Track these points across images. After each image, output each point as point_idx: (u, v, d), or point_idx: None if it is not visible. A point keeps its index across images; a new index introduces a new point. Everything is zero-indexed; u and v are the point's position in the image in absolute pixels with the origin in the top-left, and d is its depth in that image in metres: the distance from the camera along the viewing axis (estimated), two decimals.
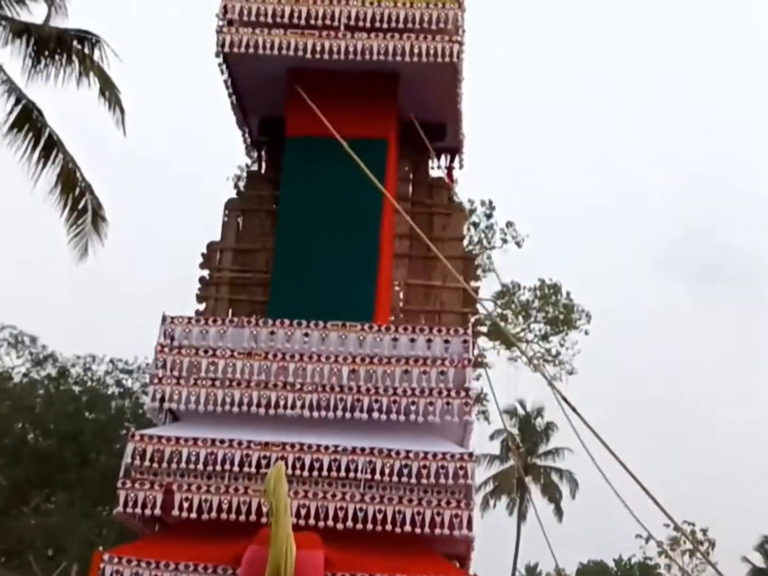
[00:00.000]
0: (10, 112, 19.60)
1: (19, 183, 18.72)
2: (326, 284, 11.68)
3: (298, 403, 10.52)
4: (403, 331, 11.09)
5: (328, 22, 12.03)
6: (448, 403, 10.67)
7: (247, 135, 13.69)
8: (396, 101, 12.49)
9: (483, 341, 38.51)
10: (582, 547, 46.16)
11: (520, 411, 47.09)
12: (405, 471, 10.26)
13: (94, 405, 35.50)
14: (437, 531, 10.09)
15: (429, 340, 11.06)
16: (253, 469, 10.07)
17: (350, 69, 12.15)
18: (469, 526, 10.20)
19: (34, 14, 19.12)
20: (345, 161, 11.68)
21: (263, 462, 10.06)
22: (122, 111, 19.37)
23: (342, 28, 12.03)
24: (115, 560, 9.65)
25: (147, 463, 10.11)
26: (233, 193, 13.92)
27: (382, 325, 11.17)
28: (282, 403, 10.49)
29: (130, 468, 10.19)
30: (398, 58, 11.96)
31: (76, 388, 36.61)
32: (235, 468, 10.09)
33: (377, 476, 10.21)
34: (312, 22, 12.02)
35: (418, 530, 10.06)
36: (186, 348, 10.75)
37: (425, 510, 10.15)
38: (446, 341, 11.08)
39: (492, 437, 44.33)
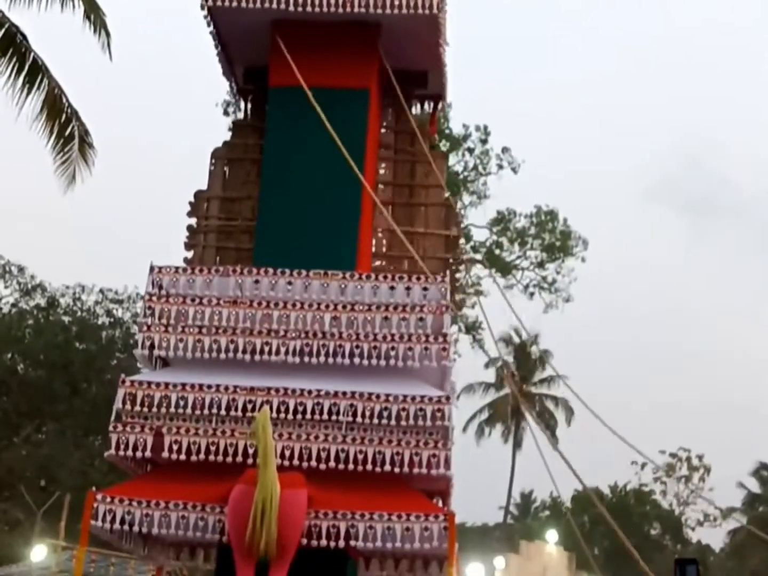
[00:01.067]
0: None
1: (2, 110, 19.05)
2: (310, 232, 12.38)
3: (282, 349, 11.24)
4: (383, 279, 11.80)
5: None
6: (426, 348, 11.38)
7: (233, 84, 14.23)
8: (377, 52, 13.05)
9: (479, 269, 39.26)
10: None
11: (515, 339, 48.04)
12: (385, 413, 11.01)
13: (84, 335, 36.41)
14: (416, 470, 10.87)
15: (408, 288, 11.77)
16: (239, 413, 10.83)
17: (333, 20, 12.69)
18: (447, 466, 10.95)
19: None
20: (327, 111, 12.34)
21: (249, 406, 10.83)
22: (108, 35, 19.21)
23: None
24: (108, 500, 10.45)
25: (137, 407, 10.88)
26: (222, 119, 14.45)
27: (363, 274, 11.89)
28: (267, 349, 11.22)
29: (120, 412, 10.94)
30: (379, 10, 12.52)
31: (66, 319, 37.36)
32: (222, 412, 10.86)
33: (358, 419, 10.96)
34: None
35: (397, 470, 10.83)
36: (173, 297, 11.47)
37: (404, 450, 10.91)
38: (425, 288, 11.79)
39: (487, 365, 45.50)
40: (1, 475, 34.68)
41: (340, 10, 12.51)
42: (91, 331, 36.48)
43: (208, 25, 12.95)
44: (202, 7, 12.67)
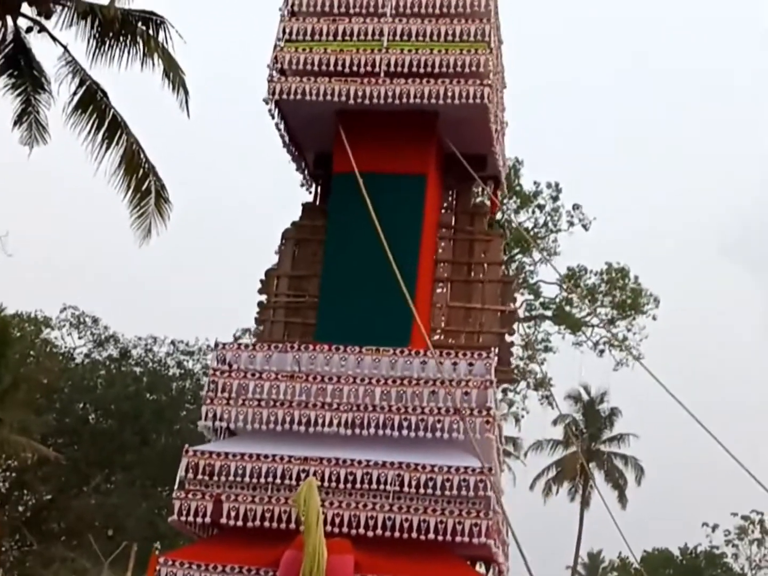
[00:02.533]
0: (74, 93, 20.96)
1: (83, 164, 20.23)
2: (367, 309, 13.67)
3: (335, 421, 12.51)
4: (431, 355, 12.98)
5: (369, 69, 13.93)
6: (471, 421, 12.54)
7: (304, 169, 15.64)
8: (435, 138, 14.37)
9: (548, 325, 40.13)
10: (646, 534, 47.72)
11: (584, 396, 48.62)
12: (430, 483, 12.17)
13: (155, 386, 37.98)
14: (458, 538, 12.00)
15: (455, 363, 12.96)
16: (294, 482, 12.05)
17: (392, 110, 14.04)
18: (487, 535, 12.05)
19: None
20: (385, 195, 13.78)
21: (302, 475, 12.05)
22: (186, 92, 20.75)
23: (382, 74, 13.92)
24: (170, 563, 11.78)
25: (199, 475, 12.22)
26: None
27: (412, 350, 13.10)
28: (320, 421, 12.49)
29: (183, 480, 12.26)
30: (433, 101, 13.82)
31: (137, 369, 38.98)
32: (278, 480, 12.15)
33: (405, 488, 12.14)
34: (354, 69, 13.95)
35: (440, 537, 11.97)
36: (235, 371, 12.83)
37: (447, 519, 12.05)
38: (470, 364, 12.97)
39: (555, 422, 46.12)
40: (70, 523, 36.16)
41: (397, 101, 13.85)
42: (161, 382, 38.07)
43: (273, 117, 14.34)
44: (267, 102, 14.07)
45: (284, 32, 14.30)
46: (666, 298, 39.27)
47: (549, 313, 39.91)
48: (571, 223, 39.18)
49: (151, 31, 20.62)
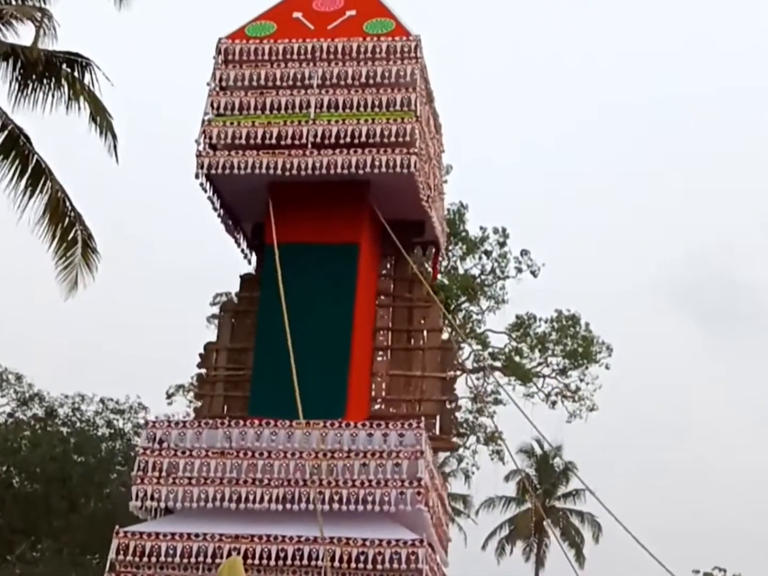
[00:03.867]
0: None
1: (5, 213, 20.29)
2: (301, 381, 14.18)
3: (266, 497, 13.44)
4: (361, 427, 13.97)
5: (297, 140, 14.99)
6: (401, 493, 13.51)
7: (241, 239, 16.67)
8: (367, 207, 15.44)
9: (498, 377, 40.86)
10: None
11: (537, 450, 49.38)
12: (362, 557, 13.13)
13: (83, 447, 37.63)
14: None
15: (385, 435, 13.93)
16: (225, 560, 12.93)
17: (324, 180, 15.04)
18: None
19: (21, 36, 20.09)
20: (318, 266, 14.92)
21: (233, 553, 12.95)
22: (114, 137, 20.31)
23: (309, 145, 14.98)
24: None
25: (129, 557, 13.09)
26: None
27: (342, 422, 14.04)
28: (251, 497, 13.42)
29: (114, 562, 13.12)
30: (360, 170, 14.89)
31: (64, 429, 38.71)
32: (209, 559, 13.04)
33: (336, 563, 13.07)
34: (282, 141, 15.00)
35: None
36: (166, 449, 13.72)
37: None
38: (401, 435, 13.95)
39: (507, 478, 46.63)
40: None
41: (325, 172, 14.89)
42: (90, 442, 37.75)
43: (205, 191, 15.40)
44: (197, 176, 15.09)
45: (212, 106, 15.38)
46: (616, 347, 40.00)
47: (498, 363, 40.61)
48: (519, 270, 39.37)
49: (76, 74, 20.39)
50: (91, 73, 20.81)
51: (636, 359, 50.94)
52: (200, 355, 15.69)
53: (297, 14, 15.97)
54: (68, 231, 19.86)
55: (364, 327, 15.44)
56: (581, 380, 39.86)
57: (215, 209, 15.88)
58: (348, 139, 14.97)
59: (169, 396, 38.40)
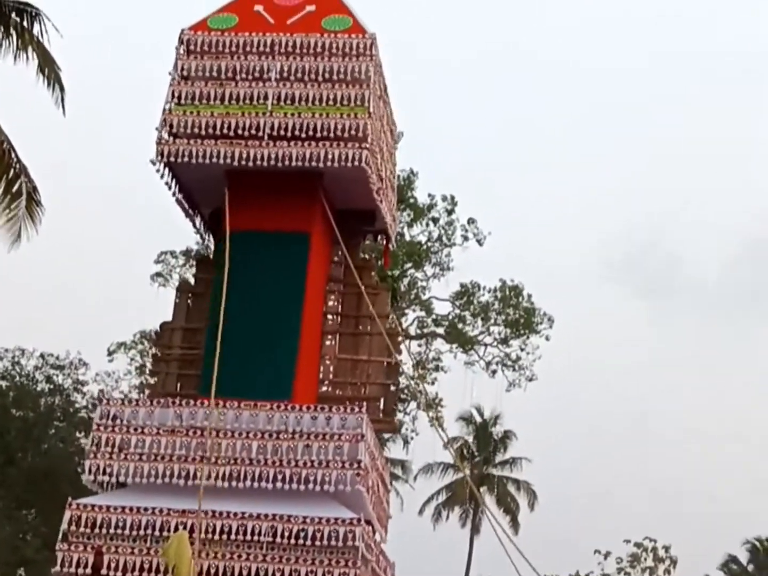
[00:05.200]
0: None
1: None
2: (252, 363, 15.79)
3: (213, 475, 14.65)
4: (306, 410, 15.21)
5: (254, 132, 16.06)
6: (341, 474, 14.78)
7: (199, 223, 17.88)
8: (319, 197, 16.58)
9: (440, 344, 42.08)
10: (538, 561, 50.34)
11: (477, 418, 50.85)
12: (302, 534, 14.42)
13: (22, 402, 38.30)
14: None
15: (328, 418, 15.20)
16: (172, 533, 14.17)
17: (279, 170, 16.15)
18: None
19: None
20: (271, 253, 16.17)
21: (180, 527, 14.18)
22: (62, 89, 21.02)
23: (266, 137, 16.05)
24: None
25: (81, 528, 14.31)
26: None
27: (288, 404, 15.25)
28: (199, 474, 14.62)
29: (66, 532, 14.33)
30: (314, 163, 16.02)
31: (3, 383, 39.08)
32: (156, 533, 14.29)
33: (278, 539, 14.37)
34: (240, 132, 16.07)
35: None
36: (118, 426, 14.91)
37: (317, 569, 14.30)
38: (343, 418, 15.21)
39: (446, 445, 48.03)
40: None
41: (280, 164, 16.01)
42: (29, 397, 38.34)
43: (163, 177, 16.47)
44: (154, 163, 16.15)
45: (173, 95, 16.41)
46: (557, 317, 41.28)
47: (441, 330, 41.77)
48: (466, 238, 40.61)
49: (25, 23, 20.96)
50: (40, 24, 21.14)
51: (578, 331, 52.50)
52: (155, 333, 16.88)
53: (258, 7, 16.99)
54: (13, 183, 20.47)
55: (314, 312, 16.68)
56: (522, 350, 41.29)
57: (173, 195, 16.96)
58: (303, 132, 16.06)
59: (110, 353, 39.28)
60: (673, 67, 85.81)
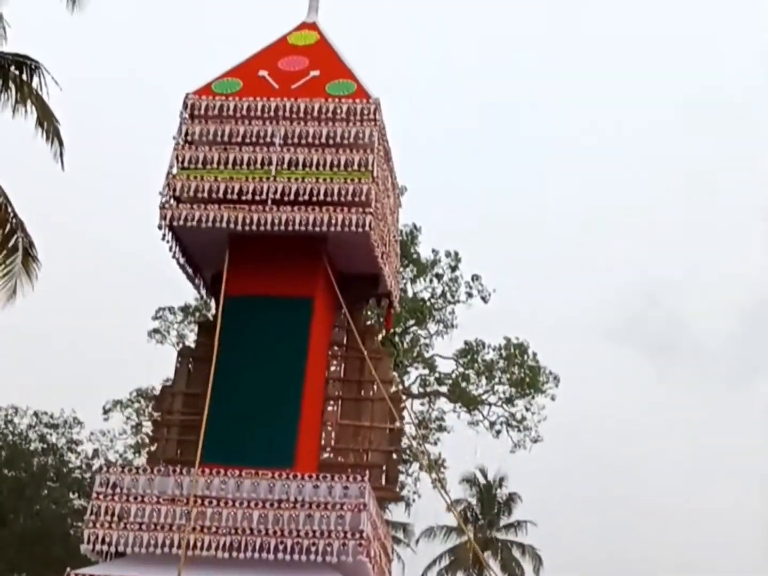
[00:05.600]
0: None
1: None
2: (254, 430, 15.89)
3: (213, 545, 14.69)
4: (308, 479, 15.26)
5: (257, 196, 16.30)
6: (344, 544, 14.84)
7: (200, 287, 18.08)
8: (323, 262, 16.78)
9: (443, 403, 41.97)
10: None
11: (481, 480, 50.56)
12: None
13: (14, 461, 38.34)
14: None
15: (330, 487, 15.24)
16: None
17: (282, 234, 16.36)
18: None
19: None
20: (274, 318, 16.35)
21: None
22: (61, 143, 21.33)
23: (270, 202, 16.29)
24: None
25: None
26: None
27: (290, 473, 15.32)
28: (199, 544, 14.67)
29: None
30: (317, 228, 16.24)
31: None
32: None
33: None
34: (243, 196, 16.31)
35: None
36: (118, 495, 14.98)
37: None
38: (345, 488, 15.26)
39: (449, 508, 47.54)
40: None
41: (283, 228, 16.22)
42: (22, 457, 38.39)
43: (168, 242, 16.68)
44: (160, 227, 16.37)
45: (178, 160, 16.67)
46: (562, 376, 41.23)
47: (444, 389, 41.64)
48: (470, 295, 40.60)
49: (24, 76, 21.26)
50: (40, 77, 21.37)
51: (583, 390, 52.45)
52: (156, 398, 16.99)
53: (263, 72, 17.33)
54: (9, 238, 20.72)
55: (316, 377, 16.84)
56: (527, 410, 41.04)
57: (176, 258, 17.16)
58: (307, 197, 16.30)
59: (105, 411, 39.28)
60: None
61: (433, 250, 40.73)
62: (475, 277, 40.72)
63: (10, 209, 20.69)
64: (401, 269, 38.66)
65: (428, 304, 40.69)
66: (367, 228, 16.28)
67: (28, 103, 21.26)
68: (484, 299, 40.76)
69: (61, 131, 21.61)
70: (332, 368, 17.37)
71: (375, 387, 17.17)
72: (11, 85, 21.31)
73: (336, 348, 17.49)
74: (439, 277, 40.79)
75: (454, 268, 40.79)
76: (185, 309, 39.06)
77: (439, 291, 40.86)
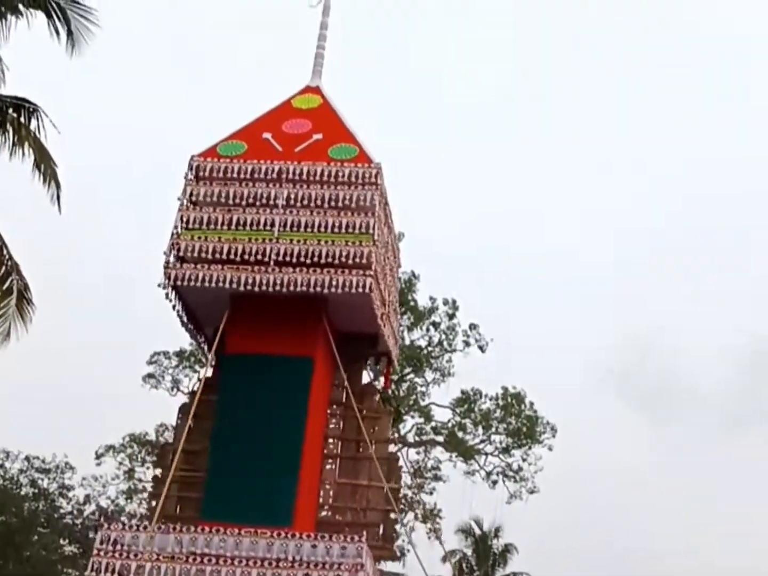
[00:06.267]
0: None
1: None
2: (253, 487, 16.53)
3: None
4: (306, 538, 15.92)
5: (260, 257, 17.06)
6: None
7: (203, 344, 18.80)
8: (322, 322, 17.50)
9: (439, 452, 42.31)
10: None
11: (476, 530, 50.80)
12: None
13: (5, 506, 38.70)
14: None
15: (328, 546, 15.91)
16: None
17: (284, 295, 17.09)
18: None
19: None
20: (274, 376, 17.09)
21: None
22: (58, 186, 21.20)
23: (272, 263, 17.05)
24: None
25: None
26: None
27: (288, 532, 15.99)
28: None
29: None
30: (318, 289, 17.00)
31: None
32: None
33: None
34: (246, 258, 17.07)
35: None
36: (119, 551, 15.66)
37: None
38: (343, 547, 15.93)
39: (444, 559, 47.86)
40: None
41: (285, 289, 16.98)
42: (12, 502, 38.79)
43: (171, 301, 17.46)
44: (163, 287, 17.14)
45: (182, 220, 17.47)
46: (561, 426, 41.64)
47: (440, 438, 41.97)
48: (467, 344, 41.11)
49: (22, 119, 21.34)
50: (38, 120, 21.30)
51: (580, 441, 52.87)
52: (156, 454, 17.65)
53: (267, 135, 18.16)
54: (4, 280, 20.65)
55: (316, 436, 17.55)
56: (524, 460, 41.62)
57: (179, 317, 17.95)
58: (308, 259, 17.08)
59: (98, 456, 39.78)
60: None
61: (431, 298, 41.30)
62: (473, 326, 41.29)
63: (5, 252, 20.79)
64: (399, 316, 39.37)
65: (425, 352, 41.16)
66: (367, 290, 17.03)
67: (26, 145, 21.29)
68: (481, 348, 41.27)
69: (58, 174, 22.00)
70: (331, 426, 18.06)
71: (373, 445, 17.78)
72: (8, 127, 21.34)
73: (335, 406, 18.16)
74: (436, 325, 41.35)
75: (451, 316, 41.34)
76: (180, 354, 39.81)
77: (436, 339, 41.37)
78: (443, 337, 41.39)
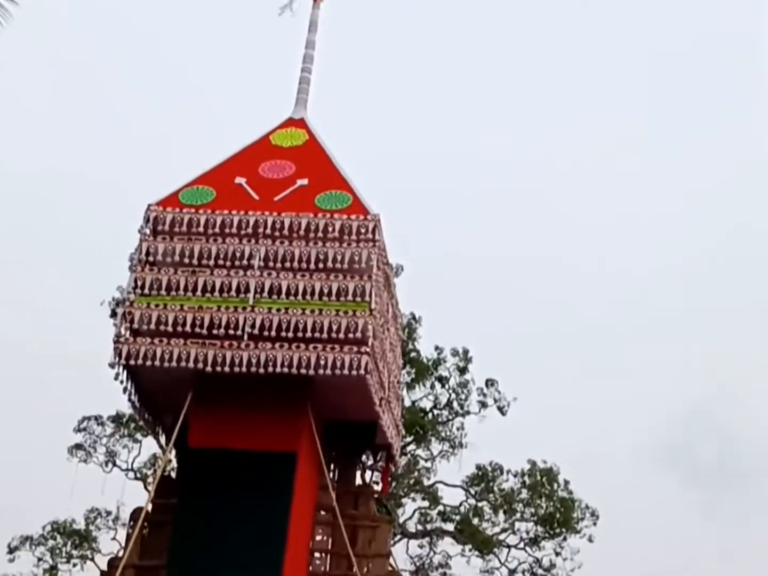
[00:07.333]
0: None
1: None
2: None
3: None
4: None
5: (231, 331, 17.86)
6: None
7: (161, 435, 19.72)
8: (308, 409, 18.23)
9: (449, 544, 42.00)
10: None
11: None
12: None
13: None
14: None
15: None
16: None
17: (260, 376, 17.78)
18: None
19: None
20: (248, 476, 17.77)
21: None
22: None
23: (246, 337, 17.84)
24: None
25: None
26: None
27: None
28: None
29: None
30: (303, 370, 17.71)
31: None
32: None
33: None
34: (214, 330, 17.86)
35: None
36: None
37: None
38: None
39: None
40: None
41: (262, 369, 17.73)
42: None
43: (122, 382, 18.24)
44: (113, 366, 17.95)
45: (136, 283, 18.18)
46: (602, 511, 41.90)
47: (450, 526, 42.10)
48: (484, 404, 41.44)
49: None
50: None
51: (623, 527, 53.37)
52: (102, 573, 18.62)
53: (240, 180, 19.05)
54: None
55: (299, 550, 18.26)
56: (557, 554, 41.90)
57: (131, 402, 18.90)
58: (291, 332, 17.83)
59: (11, 550, 40.24)
60: None
61: (437, 347, 41.75)
62: (491, 383, 41.56)
63: None
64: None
65: (430, 416, 41.57)
66: (362, 371, 17.77)
67: None
68: (501, 410, 41.56)
69: None
70: (318, 538, 18.84)
71: (370, 561, 18.69)
72: None
73: (323, 513, 18.90)
74: (443, 381, 41.75)
75: (462, 370, 41.72)
76: (117, 419, 40.23)
77: (444, 399, 41.86)
78: (453, 396, 41.81)
